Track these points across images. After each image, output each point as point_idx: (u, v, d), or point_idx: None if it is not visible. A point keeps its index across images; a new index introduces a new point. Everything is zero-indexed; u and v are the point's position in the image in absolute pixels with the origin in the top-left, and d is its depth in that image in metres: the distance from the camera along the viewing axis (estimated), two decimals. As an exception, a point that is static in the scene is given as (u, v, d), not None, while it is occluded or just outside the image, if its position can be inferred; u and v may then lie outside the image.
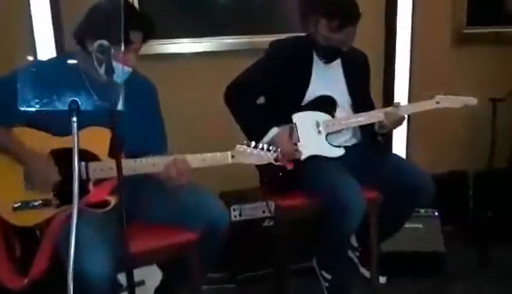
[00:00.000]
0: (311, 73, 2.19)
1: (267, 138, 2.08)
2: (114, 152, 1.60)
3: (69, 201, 1.75)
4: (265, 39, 2.45)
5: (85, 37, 1.79)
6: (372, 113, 2.18)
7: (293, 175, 1.97)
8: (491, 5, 3.16)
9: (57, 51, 2.45)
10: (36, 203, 1.83)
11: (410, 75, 3.06)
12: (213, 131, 2.67)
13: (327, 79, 2.22)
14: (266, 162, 1.80)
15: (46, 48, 2.47)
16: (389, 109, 2.17)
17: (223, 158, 1.81)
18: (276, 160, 1.79)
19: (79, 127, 1.73)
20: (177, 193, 1.88)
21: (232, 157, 1.81)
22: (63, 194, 1.81)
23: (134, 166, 1.81)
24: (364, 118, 2.17)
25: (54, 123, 1.80)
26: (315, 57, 2.21)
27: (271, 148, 1.81)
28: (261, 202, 2.70)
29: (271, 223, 2.67)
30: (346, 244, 2.18)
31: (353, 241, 2.40)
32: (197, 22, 2.80)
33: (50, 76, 1.73)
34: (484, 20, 3.14)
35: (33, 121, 1.82)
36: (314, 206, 2.10)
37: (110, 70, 1.51)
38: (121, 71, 1.72)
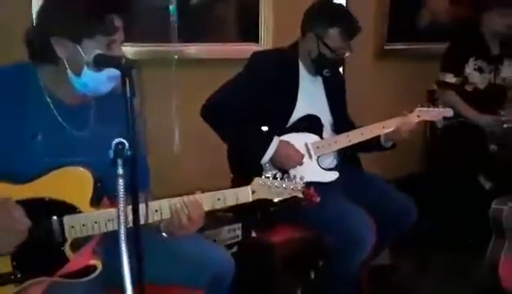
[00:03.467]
0: (297, 90, 1.97)
1: (271, 151, 1.85)
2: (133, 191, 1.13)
3: (37, 272, 1.28)
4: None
5: (49, 36, 1.28)
6: (357, 131, 2.04)
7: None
8: (408, 23, 3.32)
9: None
10: (-14, 282, 1.27)
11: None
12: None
13: (311, 97, 2.02)
14: (289, 196, 1.53)
15: None
16: (371, 126, 2.05)
17: (243, 195, 1.48)
18: (304, 193, 1.52)
19: (45, 168, 1.28)
20: (177, 245, 1.49)
21: (253, 192, 1.49)
22: (27, 264, 1.29)
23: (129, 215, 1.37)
24: (357, 137, 2.01)
25: (11, 165, 1.28)
26: (301, 72, 1.99)
27: (293, 177, 1.54)
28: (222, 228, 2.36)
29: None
30: (350, 281, 1.98)
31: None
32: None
33: None
34: (403, 37, 3.28)
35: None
36: (312, 240, 1.89)
37: (132, 94, 1.08)
38: (105, 78, 1.29)
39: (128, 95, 1.08)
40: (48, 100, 1.34)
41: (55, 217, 1.30)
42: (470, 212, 2.95)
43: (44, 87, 1.34)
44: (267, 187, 1.50)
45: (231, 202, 1.47)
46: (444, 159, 3.05)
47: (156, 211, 1.40)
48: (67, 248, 1.32)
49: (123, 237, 0.99)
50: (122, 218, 0.97)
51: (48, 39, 1.28)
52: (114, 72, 1.28)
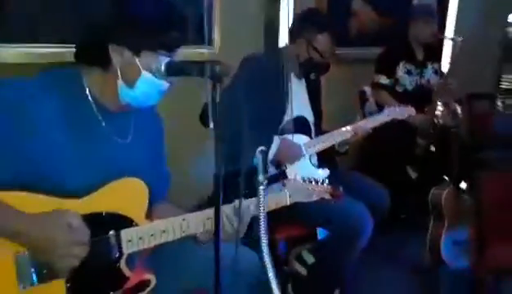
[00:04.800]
0: (288, 93, 2.05)
1: (273, 149, 1.93)
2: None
3: (92, 292, 1.21)
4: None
5: (108, 42, 1.22)
6: (343, 129, 2.17)
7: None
8: (342, 30, 3.53)
9: None
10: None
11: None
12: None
13: (299, 99, 2.11)
14: (318, 198, 1.61)
15: None
16: (356, 124, 2.21)
17: (281, 199, 1.52)
18: (332, 194, 1.61)
19: (92, 178, 1.21)
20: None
21: (289, 196, 1.54)
22: (81, 284, 1.20)
23: (183, 225, 1.34)
24: (341, 135, 2.14)
25: (57, 176, 1.18)
26: (290, 76, 2.08)
27: (315, 179, 1.63)
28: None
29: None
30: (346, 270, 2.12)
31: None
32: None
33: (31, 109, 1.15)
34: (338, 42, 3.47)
35: (22, 177, 1.14)
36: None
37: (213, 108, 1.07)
38: (160, 88, 1.27)
39: (218, 100, 1.08)
40: (93, 105, 1.26)
41: (112, 232, 1.23)
42: (400, 200, 3.30)
43: (89, 92, 1.26)
44: (300, 190, 1.56)
45: (271, 206, 1.50)
46: (377, 153, 3.36)
47: (208, 219, 1.38)
48: (123, 264, 1.26)
49: (265, 248, 0.99)
50: (263, 227, 0.97)
51: (106, 45, 1.21)
52: (165, 86, 1.26)
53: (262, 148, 1.02)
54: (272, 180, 1.88)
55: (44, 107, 1.16)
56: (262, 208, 1.02)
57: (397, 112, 2.37)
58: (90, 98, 1.26)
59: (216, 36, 2.86)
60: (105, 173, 1.24)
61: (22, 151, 1.11)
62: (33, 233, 1.09)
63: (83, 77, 1.26)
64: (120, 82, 1.24)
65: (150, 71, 1.22)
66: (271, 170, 2.00)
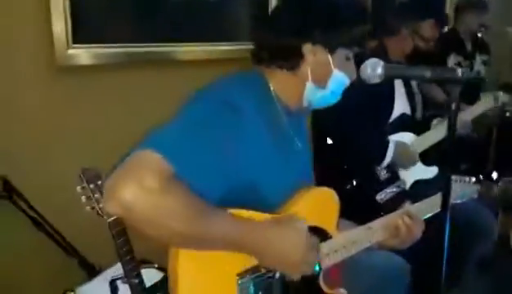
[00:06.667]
0: (394, 89, 1.97)
1: (390, 153, 1.83)
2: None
3: None
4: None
5: (303, 42, 1.12)
6: (445, 123, 2.09)
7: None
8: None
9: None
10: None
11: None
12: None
13: (399, 95, 2.03)
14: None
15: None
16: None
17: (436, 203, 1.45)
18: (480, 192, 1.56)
19: (289, 189, 1.13)
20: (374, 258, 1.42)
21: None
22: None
23: (368, 234, 1.25)
24: (444, 129, 2.06)
25: (262, 189, 1.07)
26: None
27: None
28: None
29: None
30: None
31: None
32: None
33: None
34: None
35: (233, 192, 1.01)
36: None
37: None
38: (344, 86, 1.20)
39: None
40: (280, 108, 1.16)
41: (312, 247, 1.13)
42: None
43: (275, 96, 1.16)
44: (460, 190, 1.51)
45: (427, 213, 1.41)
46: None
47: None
48: (321, 280, 1.16)
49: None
50: None
51: (299, 45, 1.11)
52: (347, 84, 1.19)
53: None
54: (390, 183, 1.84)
55: (247, 114, 1.05)
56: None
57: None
58: (276, 101, 1.15)
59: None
60: (295, 182, 1.15)
61: (236, 164, 1.00)
62: (276, 240, 1.00)
63: (268, 80, 1.16)
64: (310, 82, 1.14)
65: (346, 71, 1.16)
66: (383, 174, 1.91)
